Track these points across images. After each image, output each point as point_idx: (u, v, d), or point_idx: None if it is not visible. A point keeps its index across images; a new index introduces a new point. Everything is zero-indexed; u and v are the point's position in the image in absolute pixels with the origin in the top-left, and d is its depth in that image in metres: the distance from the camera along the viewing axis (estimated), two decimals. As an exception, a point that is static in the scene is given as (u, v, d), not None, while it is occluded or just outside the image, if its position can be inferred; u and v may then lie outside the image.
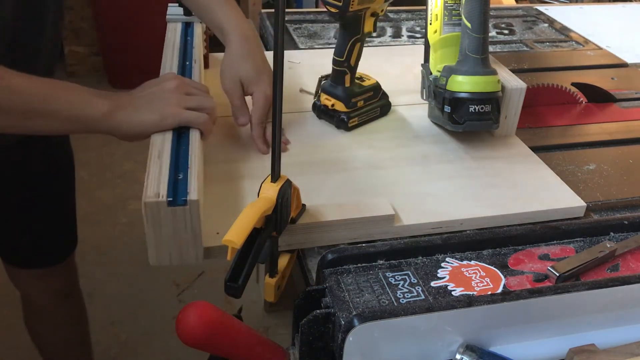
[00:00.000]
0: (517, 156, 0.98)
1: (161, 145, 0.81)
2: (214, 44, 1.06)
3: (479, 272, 0.75)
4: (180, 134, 0.83)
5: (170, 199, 0.70)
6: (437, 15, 0.99)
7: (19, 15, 0.93)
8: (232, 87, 0.95)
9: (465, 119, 0.92)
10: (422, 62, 1.05)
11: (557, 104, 1.19)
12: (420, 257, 0.76)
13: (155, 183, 0.73)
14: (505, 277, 0.75)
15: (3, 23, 0.91)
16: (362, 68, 1.03)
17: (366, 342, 0.64)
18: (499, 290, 0.72)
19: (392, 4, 1.02)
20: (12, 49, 0.94)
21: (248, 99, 0.96)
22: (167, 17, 1.16)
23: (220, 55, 1.24)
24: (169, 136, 0.82)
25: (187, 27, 1.16)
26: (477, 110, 0.92)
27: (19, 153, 1.08)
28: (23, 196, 1.16)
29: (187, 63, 1.03)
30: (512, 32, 1.55)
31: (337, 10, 0.91)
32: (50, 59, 1.06)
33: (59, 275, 1.31)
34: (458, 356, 0.66)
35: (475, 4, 0.90)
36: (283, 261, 0.80)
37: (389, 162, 0.94)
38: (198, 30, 1.15)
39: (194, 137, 0.82)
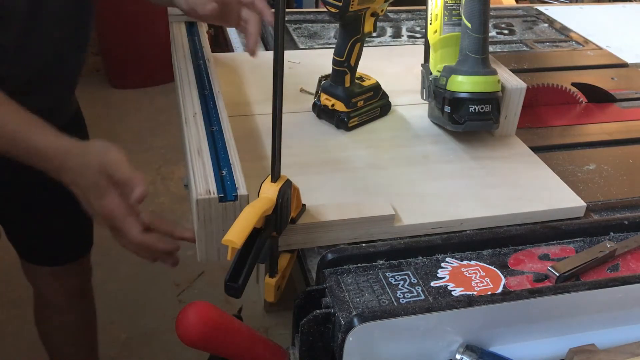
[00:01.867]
0: (517, 156, 0.98)
1: (198, 143, 0.82)
2: (215, 44, 1.06)
3: (479, 272, 0.75)
4: (213, 130, 0.85)
5: (221, 195, 0.72)
6: (437, 15, 0.99)
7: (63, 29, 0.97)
8: None
9: (465, 119, 0.92)
10: (422, 62, 1.05)
11: (557, 104, 1.19)
12: (420, 257, 0.76)
13: (203, 180, 0.74)
14: (505, 277, 0.75)
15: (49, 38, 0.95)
16: (362, 68, 1.03)
17: (366, 342, 0.64)
18: (499, 290, 0.72)
19: (392, 4, 1.02)
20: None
21: None
22: (169, 17, 1.17)
23: (221, 55, 1.25)
24: (204, 133, 0.84)
25: (192, 27, 1.16)
26: (477, 110, 0.92)
27: None
28: (41, 194, 1.16)
29: (201, 62, 1.04)
30: (512, 32, 1.55)
31: (337, 10, 0.91)
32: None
33: (74, 275, 1.31)
34: (458, 356, 0.66)
35: (475, 4, 0.90)
36: (283, 261, 0.80)
37: (389, 162, 0.94)
38: (202, 30, 1.15)
39: (228, 135, 0.84)
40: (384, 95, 1.07)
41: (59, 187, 1.18)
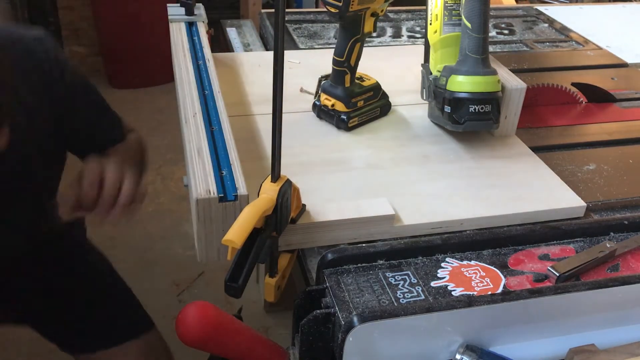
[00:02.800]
0: (517, 156, 0.98)
1: (198, 143, 0.82)
2: (215, 44, 1.07)
3: (479, 272, 0.75)
4: (213, 130, 0.85)
5: (221, 195, 0.73)
6: (437, 15, 0.99)
7: None
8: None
9: (465, 119, 0.92)
10: (422, 62, 1.05)
11: (557, 104, 1.19)
12: (420, 257, 0.76)
13: (203, 180, 0.74)
14: (505, 277, 0.75)
15: None
16: (362, 68, 1.03)
17: (366, 342, 0.64)
18: (499, 290, 0.72)
19: (392, 4, 1.02)
20: None
21: None
22: (169, 17, 1.17)
23: (220, 55, 1.25)
24: (204, 133, 0.84)
25: (191, 27, 1.16)
26: (477, 110, 0.92)
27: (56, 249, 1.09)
28: (81, 288, 1.12)
29: (200, 62, 1.04)
30: (512, 32, 1.55)
31: (337, 11, 0.91)
32: None
33: (140, 355, 1.13)
34: (458, 356, 0.66)
35: (475, 4, 0.90)
36: (283, 261, 0.80)
37: (389, 162, 0.94)
38: (202, 30, 1.15)
39: (228, 135, 0.84)
40: (384, 95, 1.07)
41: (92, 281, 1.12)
